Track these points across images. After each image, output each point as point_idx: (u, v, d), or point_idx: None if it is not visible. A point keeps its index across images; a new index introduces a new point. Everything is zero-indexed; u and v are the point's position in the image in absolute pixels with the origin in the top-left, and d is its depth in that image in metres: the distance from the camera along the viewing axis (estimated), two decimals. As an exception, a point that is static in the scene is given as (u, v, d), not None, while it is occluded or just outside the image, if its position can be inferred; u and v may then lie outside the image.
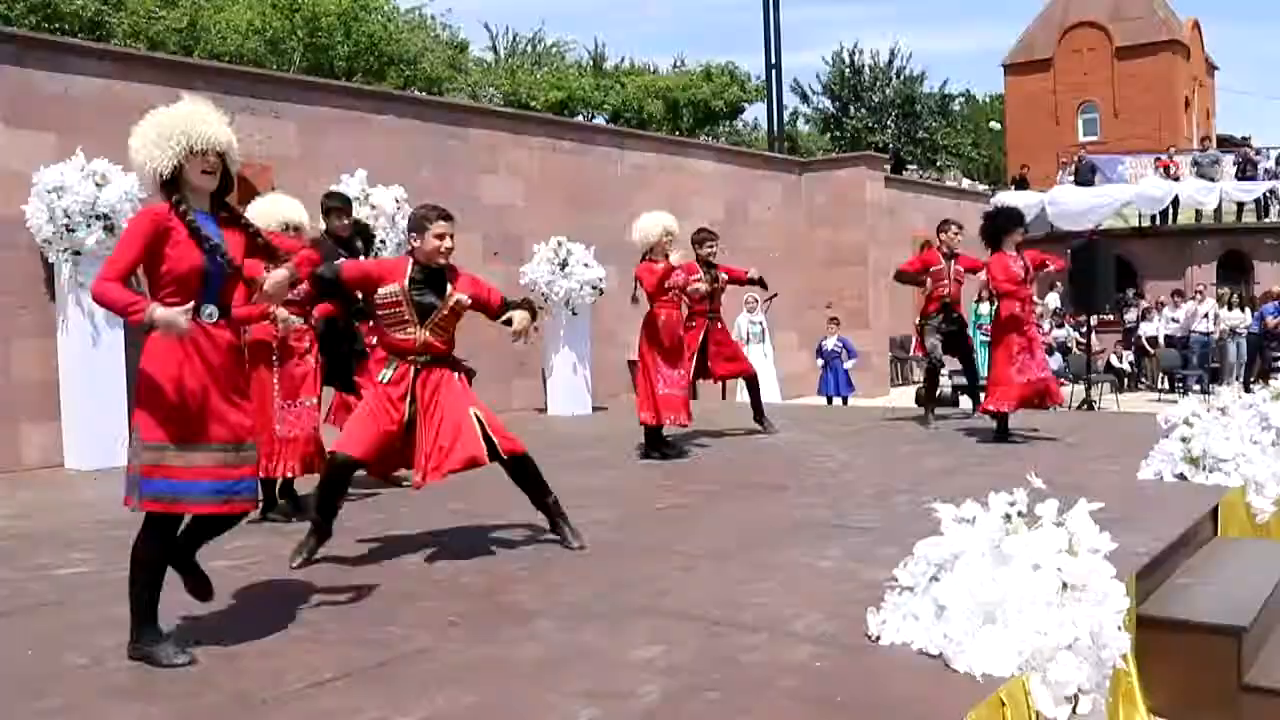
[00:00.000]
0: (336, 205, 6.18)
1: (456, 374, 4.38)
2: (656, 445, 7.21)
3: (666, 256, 7.02)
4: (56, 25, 22.42)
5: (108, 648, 3.27)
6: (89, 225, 7.20)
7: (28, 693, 2.94)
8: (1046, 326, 15.39)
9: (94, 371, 7.34)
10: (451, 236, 4.35)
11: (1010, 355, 7.24)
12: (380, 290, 4.28)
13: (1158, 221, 21.55)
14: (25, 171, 7.40)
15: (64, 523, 5.49)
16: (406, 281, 4.28)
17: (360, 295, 4.57)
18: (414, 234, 4.33)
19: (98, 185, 7.25)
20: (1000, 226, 7.49)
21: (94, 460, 7.33)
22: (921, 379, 8.99)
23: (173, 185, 3.13)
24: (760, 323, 12.56)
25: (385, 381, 4.29)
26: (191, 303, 3.01)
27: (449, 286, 4.34)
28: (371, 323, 4.80)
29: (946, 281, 8.37)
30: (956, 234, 8.50)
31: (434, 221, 4.30)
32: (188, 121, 3.12)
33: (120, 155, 7.68)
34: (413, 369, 4.29)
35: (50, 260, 7.46)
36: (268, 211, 5.13)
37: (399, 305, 4.28)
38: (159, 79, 8.45)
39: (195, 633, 3.41)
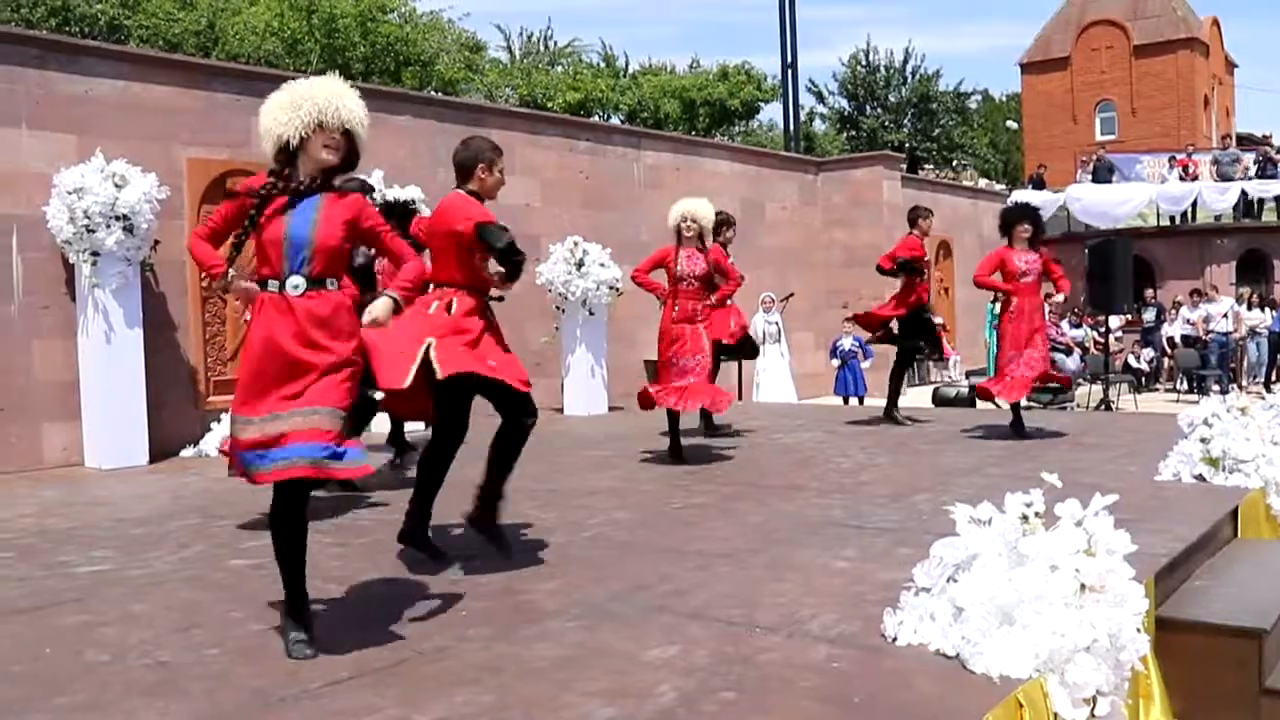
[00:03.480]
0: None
1: None
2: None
3: (678, 245, 6.82)
4: (75, 28, 22.60)
5: (129, 645, 3.30)
6: (109, 226, 7.26)
7: (49, 689, 2.96)
8: (1064, 326, 15.27)
9: (114, 371, 7.41)
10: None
11: (1004, 349, 7.62)
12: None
13: (1177, 220, 21.42)
14: (46, 173, 7.46)
15: (84, 521, 5.53)
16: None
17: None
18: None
19: (117, 186, 7.31)
20: (1009, 220, 7.85)
21: (114, 459, 7.39)
22: (909, 378, 9.19)
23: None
24: (776, 322, 12.54)
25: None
26: None
27: None
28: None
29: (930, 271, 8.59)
30: (929, 219, 8.75)
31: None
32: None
33: (138, 156, 7.82)
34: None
35: (71, 261, 7.52)
36: None
37: None
38: (177, 81, 8.51)
39: (214, 631, 3.43)
